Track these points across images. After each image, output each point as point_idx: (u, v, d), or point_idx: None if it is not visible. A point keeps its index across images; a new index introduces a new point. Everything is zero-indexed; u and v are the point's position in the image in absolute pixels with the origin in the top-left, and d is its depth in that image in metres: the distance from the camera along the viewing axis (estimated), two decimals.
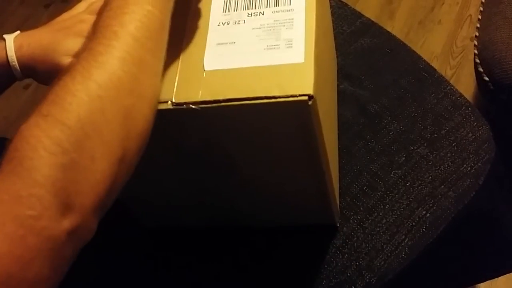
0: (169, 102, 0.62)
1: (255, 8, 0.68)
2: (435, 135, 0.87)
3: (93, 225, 0.50)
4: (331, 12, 0.93)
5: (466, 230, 0.84)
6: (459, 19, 1.67)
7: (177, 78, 0.64)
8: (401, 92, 0.93)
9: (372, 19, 1.05)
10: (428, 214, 0.80)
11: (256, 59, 0.63)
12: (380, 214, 0.82)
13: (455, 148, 0.86)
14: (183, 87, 0.63)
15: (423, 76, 0.94)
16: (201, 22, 0.68)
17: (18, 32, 0.69)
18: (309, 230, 0.82)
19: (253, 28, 0.66)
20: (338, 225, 0.82)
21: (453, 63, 1.59)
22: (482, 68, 1.05)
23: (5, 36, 0.68)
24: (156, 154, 0.62)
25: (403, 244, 0.79)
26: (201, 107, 0.62)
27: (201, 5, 0.70)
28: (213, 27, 0.68)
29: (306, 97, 0.59)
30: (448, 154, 0.85)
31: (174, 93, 0.63)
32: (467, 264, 0.93)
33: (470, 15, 1.67)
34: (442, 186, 0.82)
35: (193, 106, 0.62)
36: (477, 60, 1.07)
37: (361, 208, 0.83)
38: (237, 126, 0.65)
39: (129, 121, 0.53)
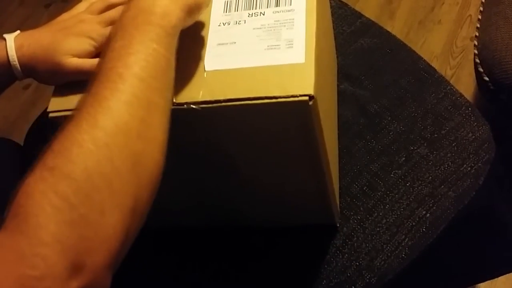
0: None
1: (255, 8, 0.68)
2: (435, 135, 0.87)
3: (106, 281, 0.47)
4: (331, 12, 0.93)
5: (466, 230, 0.84)
6: (459, 19, 1.67)
7: (176, 79, 0.64)
8: (401, 92, 0.93)
9: (372, 19, 1.05)
10: (428, 214, 0.80)
11: (256, 59, 0.63)
12: (380, 214, 0.82)
13: (455, 148, 0.86)
14: (184, 87, 0.63)
15: (423, 76, 0.94)
16: (202, 23, 0.68)
17: (18, 31, 0.69)
18: (309, 230, 0.82)
19: (253, 28, 0.66)
20: (338, 225, 0.82)
21: (453, 63, 1.59)
22: (482, 68, 1.05)
23: (5, 35, 0.68)
24: None
25: (403, 244, 0.79)
26: (202, 107, 0.62)
27: None
28: (214, 27, 0.68)
29: (306, 97, 0.59)
30: (448, 154, 0.85)
31: (175, 93, 0.63)
32: (467, 264, 0.93)
33: (470, 15, 1.67)
34: (442, 186, 0.82)
35: (194, 106, 0.62)
36: (477, 60, 1.07)
37: (361, 208, 0.83)
38: (238, 126, 0.65)
39: (139, 168, 0.50)
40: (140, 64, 0.54)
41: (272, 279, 0.80)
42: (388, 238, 0.80)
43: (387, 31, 1.03)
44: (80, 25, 0.68)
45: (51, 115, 0.66)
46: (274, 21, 0.66)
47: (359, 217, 0.82)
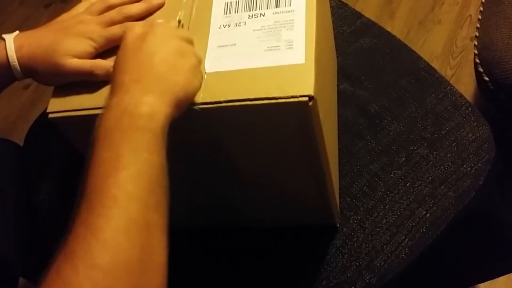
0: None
1: (255, 10, 0.68)
2: (435, 135, 0.87)
3: None
4: (331, 12, 0.93)
5: (466, 230, 0.84)
6: (459, 19, 1.67)
7: None
8: (401, 92, 0.93)
9: (372, 19, 1.05)
10: (428, 215, 0.80)
11: (256, 60, 0.63)
12: (380, 214, 0.82)
13: (455, 149, 0.86)
14: None
15: (423, 76, 0.94)
16: (202, 25, 0.68)
17: (17, 32, 0.69)
18: (309, 230, 0.82)
19: (253, 30, 0.66)
20: (338, 225, 0.82)
21: (453, 63, 1.59)
22: (482, 68, 1.05)
23: (4, 36, 0.68)
24: None
25: (403, 244, 0.79)
26: (202, 108, 0.62)
27: (203, 7, 0.70)
28: (215, 29, 0.68)
29: (306, 98, 0.59)
30: (448, 155, 0.85)
31: None
32: (467, 264, 0.93)
33: (470, 15, 1.67)
34: (442, 187, 0.82)
35: (194, 107, 0.62)
36: (477, 60, 1.07)
37: (361, 209, 0.83)
38: (238, 127, 0.65)
39: None
40: (133, 181, 0.49)
41: (272, 279, 0.80)
42: (388, 238, 0.80)
43: (387, 31, 1.03)
44: (80, 25, 0.68)
45: (50, 115, 0.66)
46: (274, 22, 0.66)
47: (359, 217, 0.82)
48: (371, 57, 0.99)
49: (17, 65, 0.66)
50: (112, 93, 0.57)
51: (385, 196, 0.83)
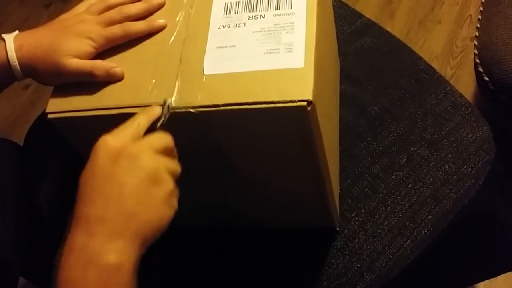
0: (169, 106, 0.62)
1: (256, 11, 0.67)
2: (436, 136, 0.87)
3: None
4: None
5: (466, 231, 0.84)
6: (459, 19, 1.67)
7: (177, 81, 0.64)
8: (401, 93, 0.93)
9: (372, 19, 1.05)
10: (430, 216, 0.80)
11: (256, 63, 0.63)
12: (382, 216, 0.82)
13: (456, 149, 0.86)
14: (182, 91, 0.63)
15: (423, 77, 0.94)
16: (202, 25, 0.68)
17: (17, 32, 0.69)
18: (310, 231, 0.82)
19: (253, 32, 0.66)
20: (338, 229, 0.82)
21: (453, 63, 1.59)
22: (482, 68, 1.05)
23: (4, 36, 0.68)
24: None
25: (404, 246, 0.79)
26: (200, 111, 0.62)
27: (202, 7, 0.70)
28: (214, 30, 0.67)
29: (305, 103, 0.59)
30: (449, 155, 0.85)
31: (173, 97, 0.63)
32: (468, 264, 0.93)
33: (470, 15, 1.67)
34: (444, 188, 0.82)
35: (192, 110, 0.62)
36: (477, 60, 1.06)
37: (363, 210, 0.83)
38: (236, 130, 0.65)
39: None
40: None
41: (273, 280, 0.80)
42: (390, 240, 0.79)
43: (387, 31, 1.02)
44: (80, 25, 0.68)
45: (50, 116, 0.66)
46: (274, 24, 0.65)
47: (360, 219, 0.82)
48: (371, 57, 0.98)
49: (17, 65, 0.66)
50: (75, 228, 0.52)
51: (386, 197, 0.83)
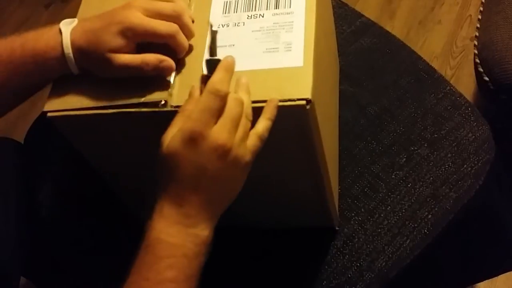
0: (168, 105, 0.62)
1: (255, 10, 0.67)
2: (435, 135, 0.87)
3: None
4: None
5: (466, 230, 0.84)
6: (459, 19, 1.67)
7: (176, 80, 0.64)
8: (401, 93, 0.93)
9: (372, 19, 1.05)
10: (430, 216, 0.80)
11: (255, 62, 0.63)
12: (382, 215, 0.82)
13: (455, 149, 0.86)
14: (182, 90, 0.63)
15: (423, 77, 0.94)
16: (201, 24, 0.68)
17: (76, 21, 0.65)
18: (310, 230, 0.82)
19: (252, 31, 0.66)
20: (337, 228, 0.82)
21: (453, 63, 1.59)
22: (482, 68, 1.05)
23: (61, 26, 0.64)
24: (156, 157, 0.61)
25: (404, 245, 0.79)
26: None
27: (201, 6, 0.70)
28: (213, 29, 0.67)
29: (304, 102, 0.59)
30: (449, 155, 0.85)
31: (173, 96, 0.63)
32: (468, 264, 0.93)
33: (470, 15, 1.67)
34: (443, 187, 0.82)
35: None
36: (477, 60, 1.06)
37: (362, 210, 0.83)
38: None
39: None
40: None
41: (273, 279, 0.80)
42: (390, 239, 0.79)
43: (387, 31, 1.03)
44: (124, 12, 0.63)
45: (49, 114, 0.66)
46: (273, 23, 0.65)
47: (360, 218, 0.82)
48: (371, 57, 0.98)
49: (72, 58, 0.64)
50: (164, 197, 0.59)
51: (386, 197, 0.83)
